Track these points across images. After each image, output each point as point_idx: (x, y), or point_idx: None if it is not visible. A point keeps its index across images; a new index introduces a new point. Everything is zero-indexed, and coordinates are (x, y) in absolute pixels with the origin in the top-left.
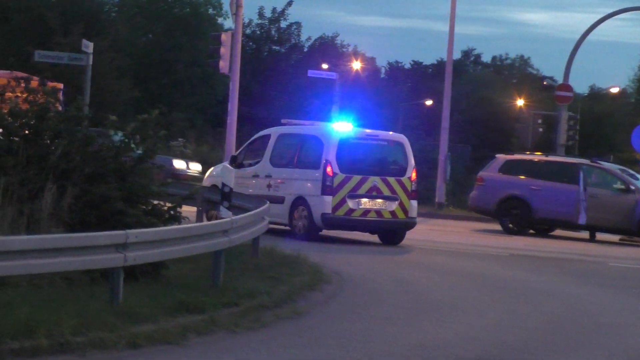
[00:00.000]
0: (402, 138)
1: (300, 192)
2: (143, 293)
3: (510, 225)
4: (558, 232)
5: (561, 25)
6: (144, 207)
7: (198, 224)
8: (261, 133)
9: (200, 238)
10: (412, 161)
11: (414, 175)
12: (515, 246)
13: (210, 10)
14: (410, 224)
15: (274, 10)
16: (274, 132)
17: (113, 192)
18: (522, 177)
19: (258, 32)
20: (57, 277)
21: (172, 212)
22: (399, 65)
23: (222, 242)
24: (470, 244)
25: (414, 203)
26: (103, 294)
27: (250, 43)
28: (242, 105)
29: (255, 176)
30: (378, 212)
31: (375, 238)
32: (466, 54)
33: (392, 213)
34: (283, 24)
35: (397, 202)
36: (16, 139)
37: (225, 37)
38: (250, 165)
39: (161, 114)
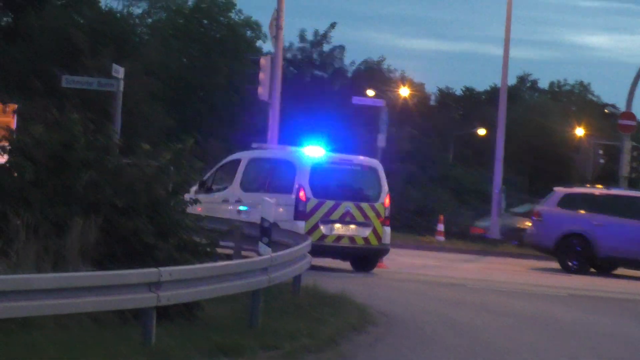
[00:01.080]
0: (375, 163)
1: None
2: (177, 334)
3: (570, 264)
4: (621, 270)
5: (624, 49)
6: (178, 242)
7: (236, 261)
8: (230, 157)
9: (238, 276)
10: (385, 187)
11: (387, 201)
12: (575, 286)
13: (249, 33)
14: (383, 251)
15: (316, 32)
16: (244, 156)
17: (145, 226)
18: (583, 211)
19: (299, 57)
20: (85, 318)
21: (207, 249)
22: (450, 91)
23: (262, 280)
24: (527, 283)
25: (387, 229)
26: (134, 335)
27: (291, 68)
28: (283, 133)
29: (225, 201)
30: (351, 239)
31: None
32: (522, 79)
33: (365, 239)
34: (326, 48)
35: (370, 229)
36: (41, 169)
37: (264, 62)
38: (219, 190)
39: (196, 143)
